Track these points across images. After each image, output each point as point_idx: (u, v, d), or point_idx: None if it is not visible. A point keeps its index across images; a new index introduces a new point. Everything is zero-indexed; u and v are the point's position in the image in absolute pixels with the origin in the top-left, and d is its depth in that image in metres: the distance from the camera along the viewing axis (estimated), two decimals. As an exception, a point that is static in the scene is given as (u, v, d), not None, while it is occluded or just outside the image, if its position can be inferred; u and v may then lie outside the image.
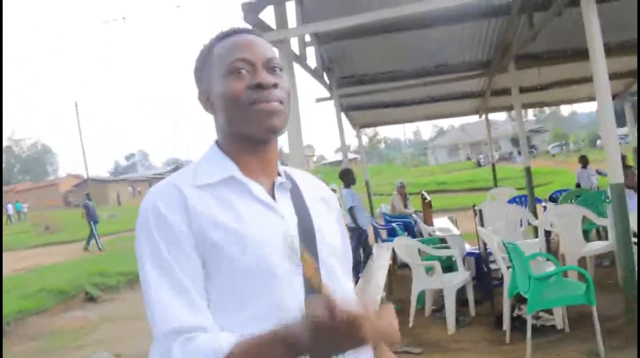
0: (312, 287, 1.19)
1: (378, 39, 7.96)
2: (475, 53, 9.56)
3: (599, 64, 5.07)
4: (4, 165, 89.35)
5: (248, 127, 1.24)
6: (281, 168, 1.34)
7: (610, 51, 5.32)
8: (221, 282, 1.16)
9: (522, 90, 10.63)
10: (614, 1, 6.54)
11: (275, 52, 1.32)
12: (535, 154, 47.03)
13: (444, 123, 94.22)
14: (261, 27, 4.77)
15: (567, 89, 12.53)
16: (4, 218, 44.76)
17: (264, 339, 1.03)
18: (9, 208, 46.55)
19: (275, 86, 1.24)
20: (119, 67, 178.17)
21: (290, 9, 5.27)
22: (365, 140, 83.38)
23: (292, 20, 5.30)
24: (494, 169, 15.69)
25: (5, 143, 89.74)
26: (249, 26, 1.57)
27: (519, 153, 45.62)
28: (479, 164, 45.23)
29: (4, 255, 20.44)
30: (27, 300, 9.42)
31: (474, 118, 17.16)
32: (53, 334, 8.36)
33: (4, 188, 70.71)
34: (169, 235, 1.15)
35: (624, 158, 11.40)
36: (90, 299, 10.34)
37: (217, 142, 1.32)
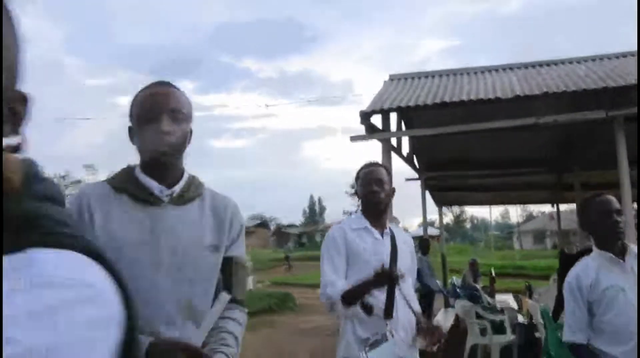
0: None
1: (461, 135, 9.34)
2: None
3: None
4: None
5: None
6: (388, 225, 2.91)
7: None
8: (354, 268, 2.75)
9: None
10: None
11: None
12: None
13: (534, 208, 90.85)
14: (371, 129, 6.46)
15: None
16: None
17: (358, 281, 2.61)
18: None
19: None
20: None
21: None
22: (450, 217, 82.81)
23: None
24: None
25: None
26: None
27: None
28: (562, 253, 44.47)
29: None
30: None
31: (563, 206, 17.39)
32: None
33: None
34: (335, 246, 2.76)
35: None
36: None
37: (360, 210, 2.92)
